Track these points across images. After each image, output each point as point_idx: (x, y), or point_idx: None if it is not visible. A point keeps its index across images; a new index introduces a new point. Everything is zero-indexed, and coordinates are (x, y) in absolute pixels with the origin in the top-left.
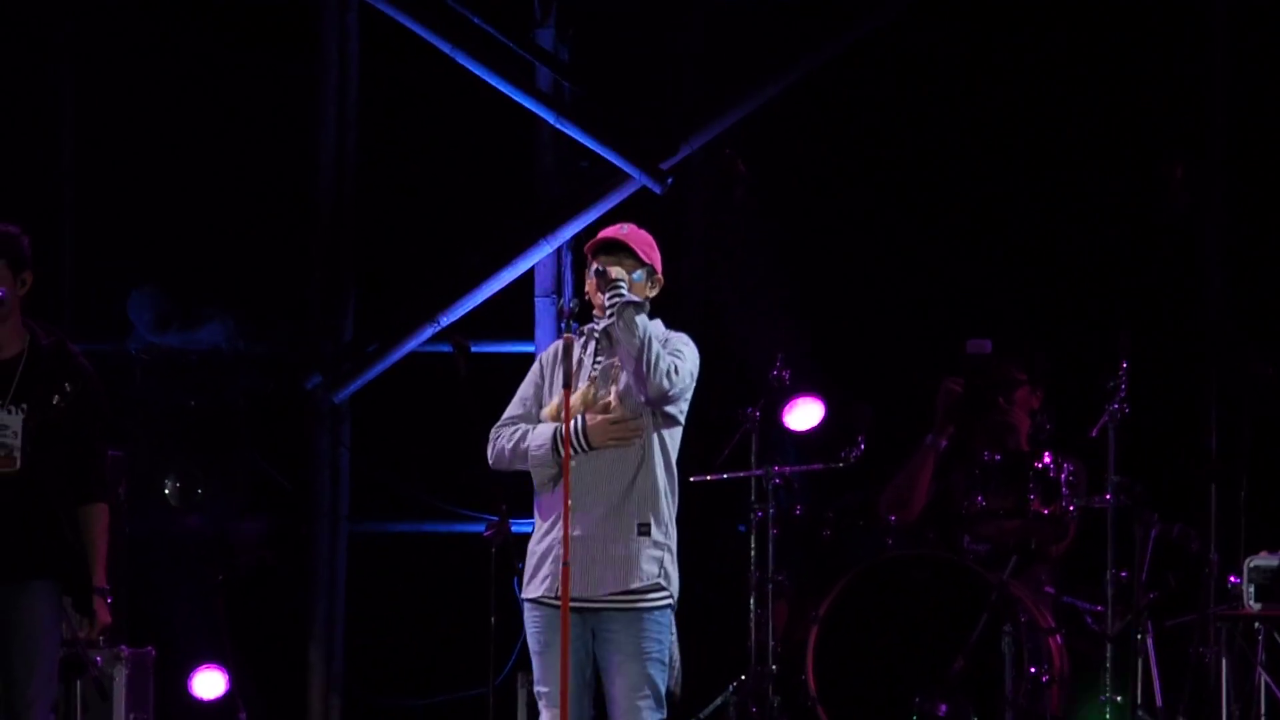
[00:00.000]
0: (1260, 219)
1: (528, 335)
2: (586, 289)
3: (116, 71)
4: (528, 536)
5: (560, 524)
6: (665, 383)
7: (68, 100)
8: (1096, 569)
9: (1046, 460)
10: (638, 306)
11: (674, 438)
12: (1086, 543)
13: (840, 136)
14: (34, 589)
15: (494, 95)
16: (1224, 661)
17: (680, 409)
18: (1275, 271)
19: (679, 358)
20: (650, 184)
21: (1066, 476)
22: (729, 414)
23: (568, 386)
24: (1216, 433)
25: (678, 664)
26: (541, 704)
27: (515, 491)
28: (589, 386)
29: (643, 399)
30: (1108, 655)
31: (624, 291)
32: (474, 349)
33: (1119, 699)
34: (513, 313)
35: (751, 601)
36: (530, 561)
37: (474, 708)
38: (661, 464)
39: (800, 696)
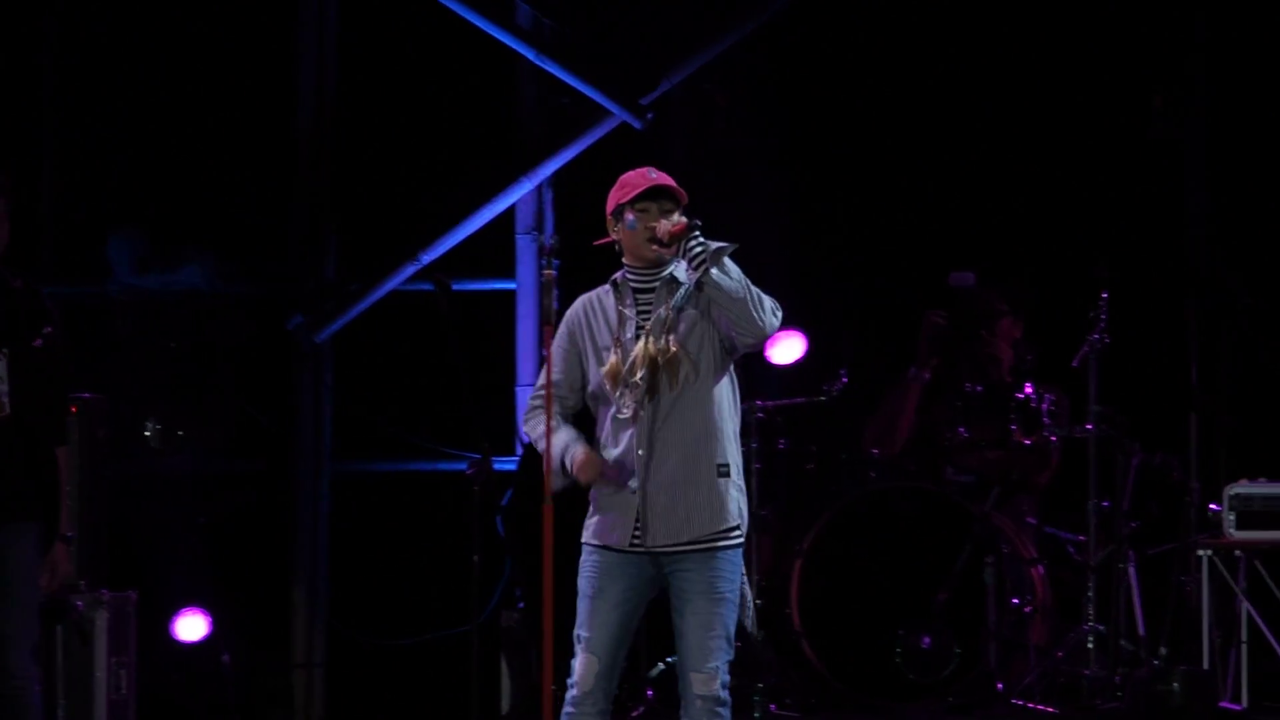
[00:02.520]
0: (1241, 148)
1: (509, 273)
2: (622, 239)
3: (95, 9)
4: (510, 475)
5: (636, 472)
6: (773, 318)
7: (47, 42)
8: (1078, 499)
9: (1028, 391)
10: (726, 253)
11: (735, 376)
12: (1068, 473)
13: (820, 70)
14: (18, 530)
15: (474, 32)
16: (1205, 590)
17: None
18: (1256, 200)
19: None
20: (630, 119)
21: (1048, 407)
22: None
23: (549, 323)
24: (1197, 362)
25: (750, 599)
26: (579, 647)
27: (498, 430)
28: (649, 338)
29: (748, 341)
30: (1090, 585)
31: (703, 242)
32: (455, 287)
33: (1101, 628)
34: (494, 250)
35: None
36: (595, 504)
37: (458, 646)
38: (731, 403)
39: (784, 630)
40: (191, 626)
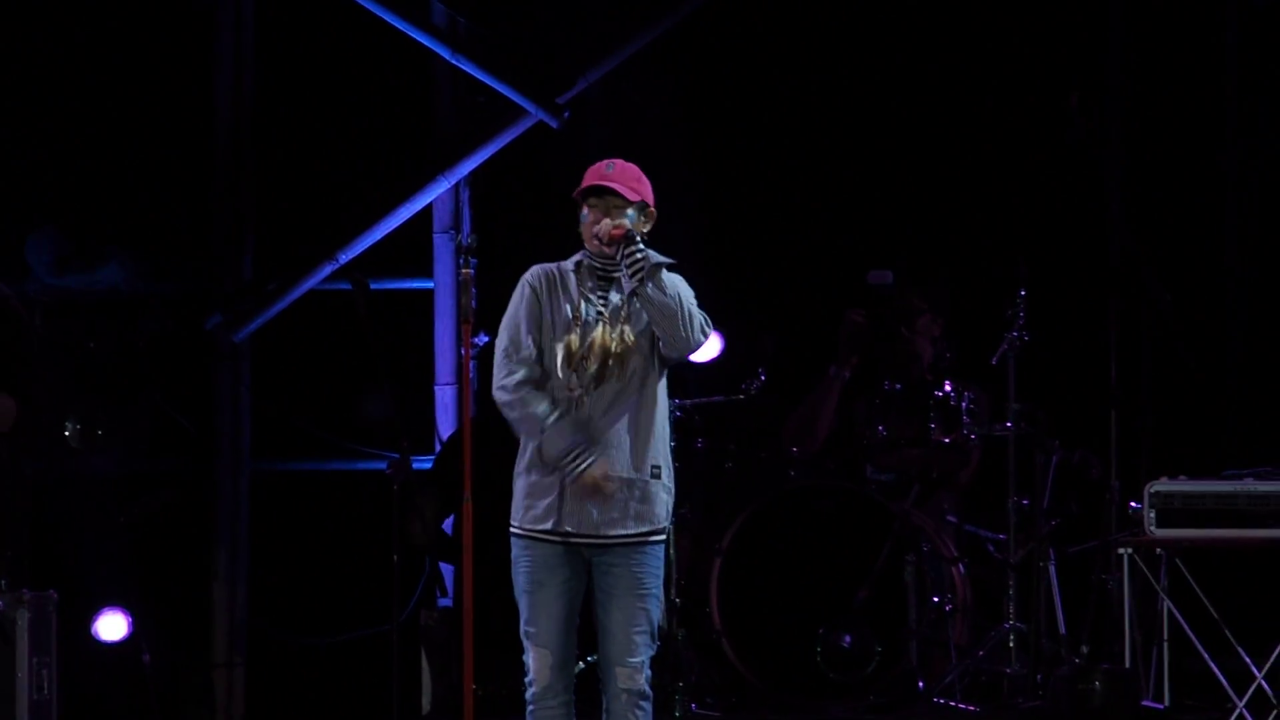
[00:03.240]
0: (1159, 145)
1: (426, 272)
2: (581, 230)
3: (8, 10)
4: (427, 473)
5: (571, 461)
6: (700, 336)
7: None
8: (999, 497)
9: (948, 388)
10: (664, 267)
11: (667, 386)
12: (988, 471)
13: (737, 67)
14: None
15: (390, 31)
16: (1126, 588)
17: None
18: (1174, 197)
19: (695, 305)
20: (547, 118)
21: (967, 405)
22: None
23: (467, 322)
24: (1116, 359)
25: (661, 599)
26: (528, 643)
27: (416, 429)
28: (606, 327)
29: (673, 355)
30: (1010, 583)
31: (644, 251)
32: (373, 285)
33: (1022, 626)
34: (412, 249)
35: None
36: (524, 492)
37: (379, 645)
38: (665, 405)
39: (704, 629)
40: (112, 626)
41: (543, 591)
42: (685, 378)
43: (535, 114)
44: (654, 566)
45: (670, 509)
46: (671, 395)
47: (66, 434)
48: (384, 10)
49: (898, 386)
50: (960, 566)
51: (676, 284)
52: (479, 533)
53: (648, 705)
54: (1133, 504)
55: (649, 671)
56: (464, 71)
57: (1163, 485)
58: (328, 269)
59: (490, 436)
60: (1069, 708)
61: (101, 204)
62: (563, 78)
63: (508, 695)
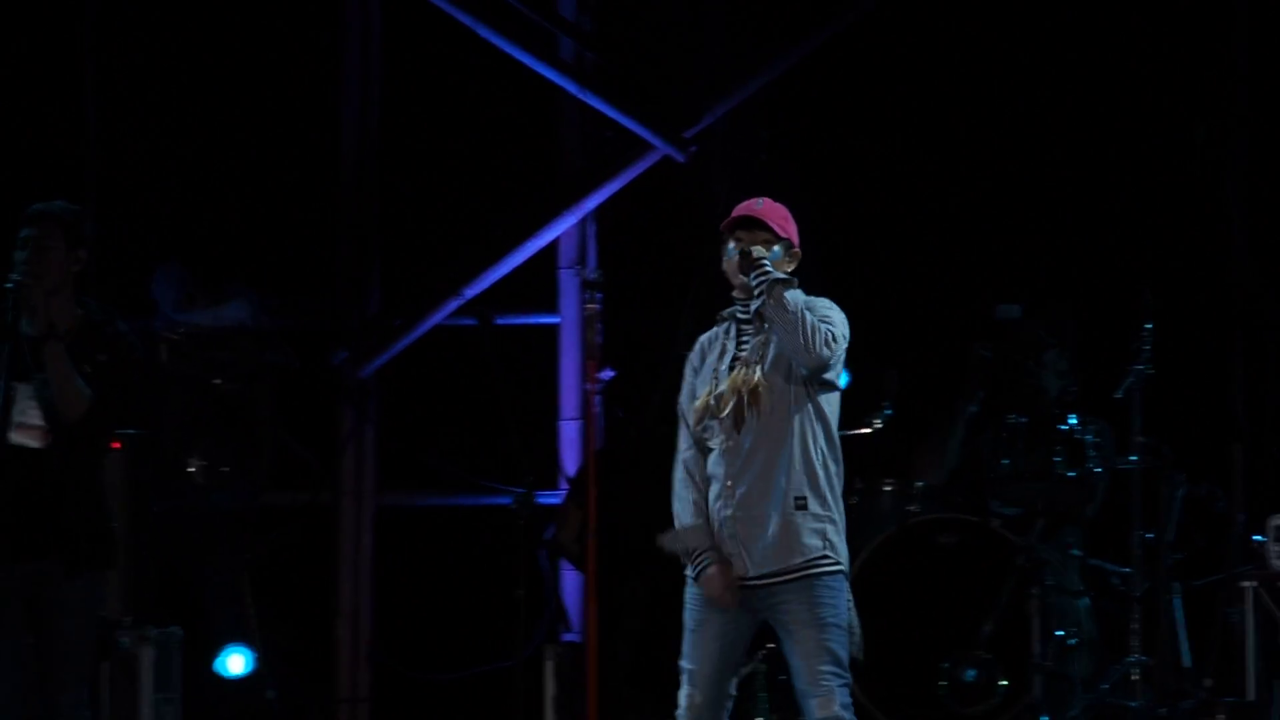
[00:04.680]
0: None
1: (552, 307)
2: (725, 268)
3: (139, 44)
4: (553, 509)
5: (722, 505)
6: (825, 350)
7: (89, 78)
8: (1123, 531)
9: (1073, 422)
10: (785, 283)
11: (831, 404)
12: (1113, 505)
13: (865, 100)
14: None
15: (517, 66)
16: (1250, 621)
17: (836, 373)
18: None
19: (830, 323)
20: (673, 153)
21: (1093, 438)
22: None
23: (592, 357)
24: (1242, 392)
25: (858, 631)
26: (684, 679)
27: (541, 464)
28: (739, 370)
29: (803, 371)
30: (1135, 617)
31: (769, 269)
32: (498, 321)
33: (1146, 660)
34: (537, 284)
35: None
36: None
37: (502, 681)
38: (820, 433)
39: None
40: (236, 662)
41: (702, 631)
42: None
43: (661, 148)
44: (827, 597)
45: (831, 539)
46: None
47: (191, 470)
48: (511, 45)
49: (1023, 420)
50: (1085, 600)
51: (813, 304)
52: (620, 563)
53: None
54: (1257, 537)
55: (846, 699)
56: (590, 106)
57: None
58: (453, 304)
59: (633, 467)
60: None
61: (227, 239)
62: (688, 112)
63: None
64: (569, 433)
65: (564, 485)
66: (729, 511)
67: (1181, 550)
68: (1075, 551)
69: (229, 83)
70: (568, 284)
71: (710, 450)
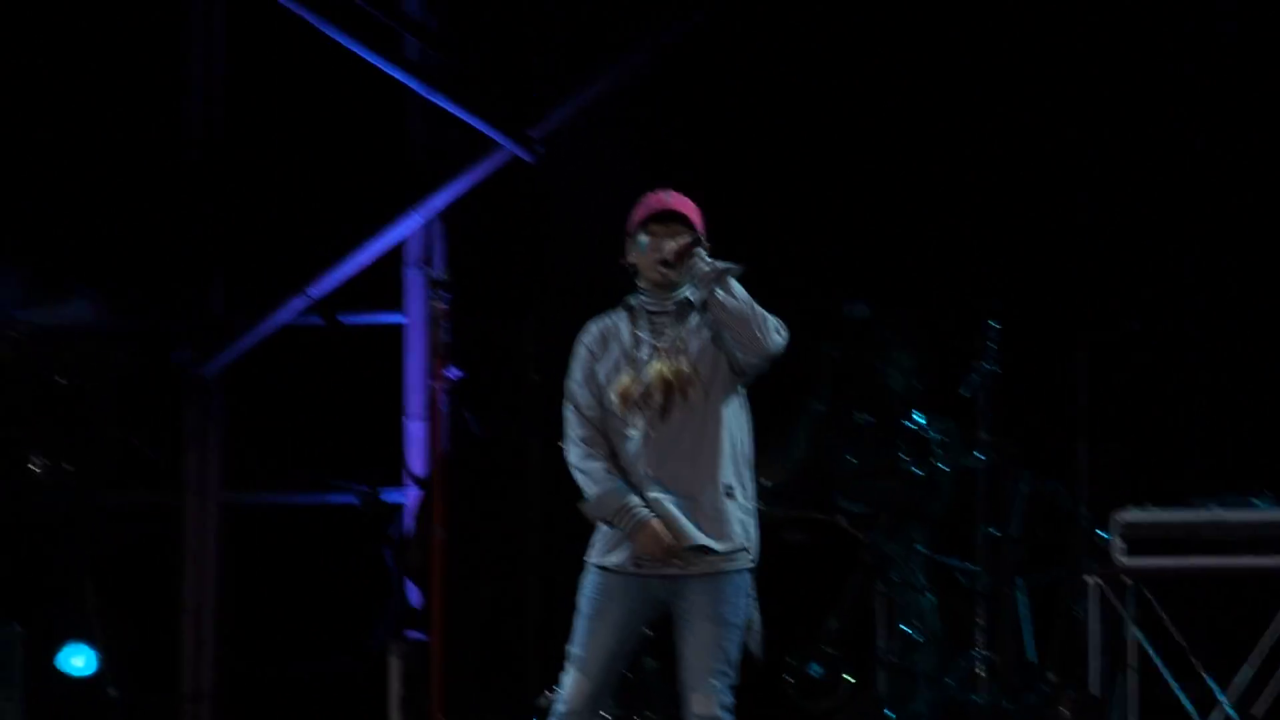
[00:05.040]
0: (1128, 175)
1: (399, 306)
2: (634, 260)
3: None
4: (399, 507)
5: (643, 492)
6: (776, 338)
7: None
8: (969, 527)
9: (919, 420)
10: (732, 271)
11: (746, 403)
12: (959, 502)
13: (711, 101)
14: None
15: (364, 65)
16: (1095, 617)
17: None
18: (1148, 227)
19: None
20: (521, 152)
21: (939, 436)
22: None
23: (438, 356)
24: (1086, 389)
25: (758, 627)
26: (571, 664)
27: (387, 462)
28: (664, 360)
29: (753, 360)
30: (980, 612)
31: (712, 260)
32: (344, 320)
33: (991, 655)
34: (383, 284)
35: None
36: (602, 534)
37: (348, 678)
38: (745, 425)
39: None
40: (79, 660)
41: (600, 620)
42: None
43: (508, 148)
44: (732, 595)
45: (750, 531)
46: None
47: (32, 468)
48: (356, 44)
49: (870, 418)
50: (929, 595)
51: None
52: (467, 563)
53: None
54: (1101, 533)
55: (728, 699)
56: (437, 105)
57: (1130, 515)
58: (298, 303)
59: (481, 467)
60: None
61: (70, 238)
62: (536, 112)
63: None
64: (415, 432)
65: (408, 484)
66: (654, 497)
67: (1026, 546)
68: (921, 548)
69: (70, 80)
70: (414, 283)
71: (627, 438)
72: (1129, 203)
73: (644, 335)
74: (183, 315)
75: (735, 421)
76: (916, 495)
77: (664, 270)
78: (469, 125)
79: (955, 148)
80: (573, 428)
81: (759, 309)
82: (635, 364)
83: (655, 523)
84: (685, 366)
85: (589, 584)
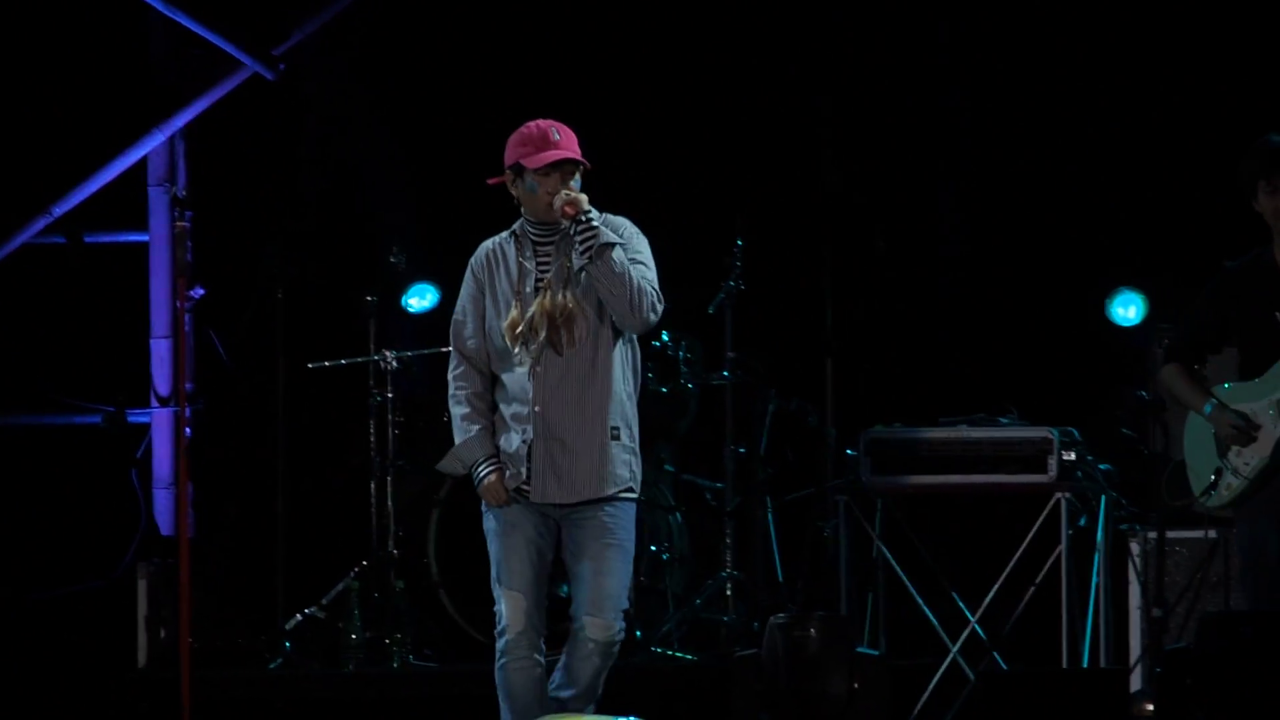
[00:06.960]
0: (871, 94)
1: (142, 225)
2: (524, 200)
3: None
4: (144, 427)
5: (530, 425)
6: (651, 315)
7: None
8: (715, 446)
9: (664, 338)
10: (612, 246)
11: (635, 340)
12: (705, 420)
13: (458, 20)
14: None
15: None
16: (842, 535)
17: None
18: (892, 145)
19: (647, 267)
20: (262, 70)
21: (684, 354)
22: (347, 298)
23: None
24: (833, 308)
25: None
26: (499, 589)
27: (132, 382)
28: (547, 294)
29: (626, 330)
30: (727, 531)
31: (598, 229)
32: (87, 239)
33: (739, 575)
34: (126, 202)
35: (372, 486)
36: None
37: (95, 598)
38: (631, 362)
39: (422, 580)
40: None
41: (515, 534)
42: (403, 329)
43: (251, 66)
44: (624, 519)
45: (635, 470)
46: (387, 346)
47: None
48: None
49: None
50: (678, 515)
51: (617, 226)
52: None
53: (615, 651)
54: (849, 451)
55: (622, 624)
56: (179, 23)
57: (877, 432)
58: (41, 223)
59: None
60: (785, 655)
61: None
62: (277, 30)
63: (224, 647)
64: (160, 351)
65: (154, 404)
66: (536, 436)
67: (773, 465)
68: (668, 467)
69: None
70: (157, 202)
71: (514, 373)
72: (878, 121)
73: (529, 265)
74: None
75: (624, 358)
76: (663, 414)
77: (558, 218)
78: (211, 43)
79: (701, 62)
80: (452, 361)
81: (636, 283)
82: (521, 297)
83: (495, 477)
84: (570, 302)
85: (492, 515)
